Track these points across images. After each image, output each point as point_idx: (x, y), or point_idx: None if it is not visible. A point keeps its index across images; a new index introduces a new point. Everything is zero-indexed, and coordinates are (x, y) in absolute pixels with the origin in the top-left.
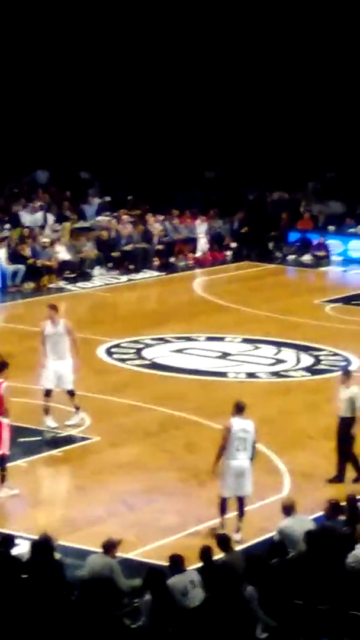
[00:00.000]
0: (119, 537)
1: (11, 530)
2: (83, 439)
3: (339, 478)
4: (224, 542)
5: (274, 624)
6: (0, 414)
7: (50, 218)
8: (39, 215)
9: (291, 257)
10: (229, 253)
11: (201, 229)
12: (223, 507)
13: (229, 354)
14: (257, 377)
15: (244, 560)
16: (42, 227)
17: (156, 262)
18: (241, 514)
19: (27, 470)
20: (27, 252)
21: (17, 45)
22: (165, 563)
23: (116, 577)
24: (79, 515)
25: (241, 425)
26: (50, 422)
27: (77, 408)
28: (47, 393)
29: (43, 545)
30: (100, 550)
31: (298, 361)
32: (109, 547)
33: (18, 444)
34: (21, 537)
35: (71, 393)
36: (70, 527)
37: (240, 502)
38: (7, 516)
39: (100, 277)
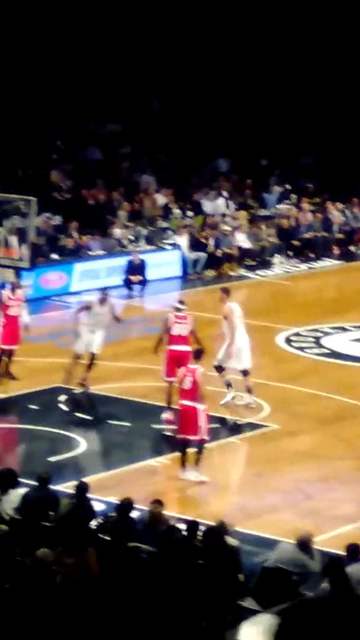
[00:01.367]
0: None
1: (191, 516)
2: (261, 426)
3: None
4: None
5: None
6: (195, 400)
7: (232, 206)
8: (220, 202)
9: None
10: None
11: None
12: None
13: None
14: None
15: None
16: (224, 215)
17: (336, 250)
18: None
19: (206, 456)
20: (208, 240)
21: (205, 37)
22: (342, 552)
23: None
24: (256, 502)
25: None
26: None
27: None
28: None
29: (216, 532)
30: (284, 539)
31: None
32: (304, 543)
33: None
34: (202, 523)
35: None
36: (246, 514)
37: None
38: (188, 502)
39: (280, 265)
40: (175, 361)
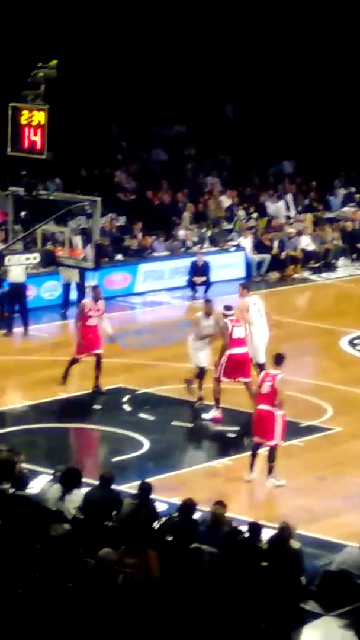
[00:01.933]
0: None
1: (253, 518)
2: (324, 429)
3: None
4: None
5: None
6: (272, 405)
7: (293, 208)
8: (280, 205)
9: None
10: None
11: None
12: None
13: None
14: None
15: None
16: (288, 217)
17: None
18: None
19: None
20: (272, 242)
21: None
22: None
23: None
24: (319, 505)
25: None
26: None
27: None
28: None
29: (280, 535)
30: (347, 542)
31: None
32: None
33: None
34: (264, 525)
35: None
36: (309, 516)
37: None
38: (251, 504)
39: (345, 268)
40: (235, 364)
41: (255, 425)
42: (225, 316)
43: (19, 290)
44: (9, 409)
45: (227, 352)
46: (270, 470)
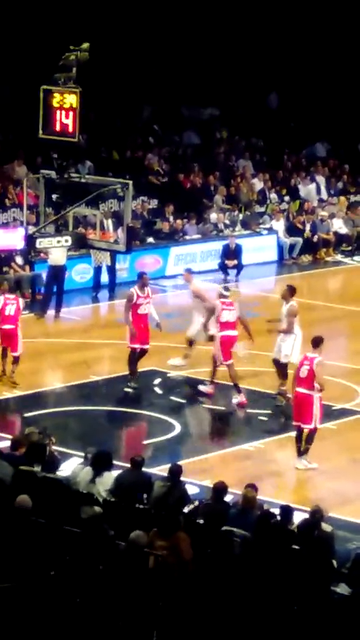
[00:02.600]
0: None
1: (285, 501)
2: (357, 412)
3: None
4: None
5: None
6: (311, 389)
7: (324, 191)
8: (312, 187)
9: None
10: None
11: None
12: None
13: None
14: None
15: None
16: (321, 200)
17: None
18: None
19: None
20: (305, 225)
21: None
22: None
23: None
24: (351, 488)
25: None
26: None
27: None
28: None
29: (311, 517)
30: None
31: None
32: None
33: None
34: (296, 508)
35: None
36: (341, 499)
37: None
38: (283, 487)
39: None
40: (227, 346)
41: (295, 409)
42: (220, 297)
43: (58, 273)
44: (41, 392)
45: (219, 335)
46: (304, 452)
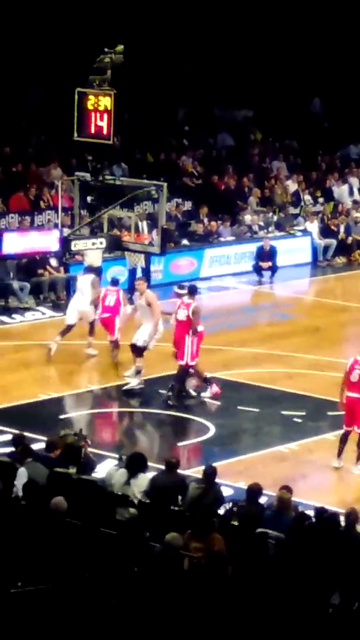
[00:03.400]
0: None
1: (320, 503)
2: None
3: None
4: None
5: None
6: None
7: (358, 193)
8: (345, 188)
9: None
10: None
11: None
12: None
13: None
14: None
15: None
16: (355, 202)
17: None
18: None
19: (335, 443)
20: (339, 227)
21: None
22: None
23: None
24: None
25: None
26: None
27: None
28: None
29: (346, 519)
30: None
31: None
32: None
33: (327, 417)
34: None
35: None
36: None
37: None
38: (317, 489)
39: None
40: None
41: (346, 413)
42: (177, 295)
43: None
44: (77, 393)
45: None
46: (358, 457)
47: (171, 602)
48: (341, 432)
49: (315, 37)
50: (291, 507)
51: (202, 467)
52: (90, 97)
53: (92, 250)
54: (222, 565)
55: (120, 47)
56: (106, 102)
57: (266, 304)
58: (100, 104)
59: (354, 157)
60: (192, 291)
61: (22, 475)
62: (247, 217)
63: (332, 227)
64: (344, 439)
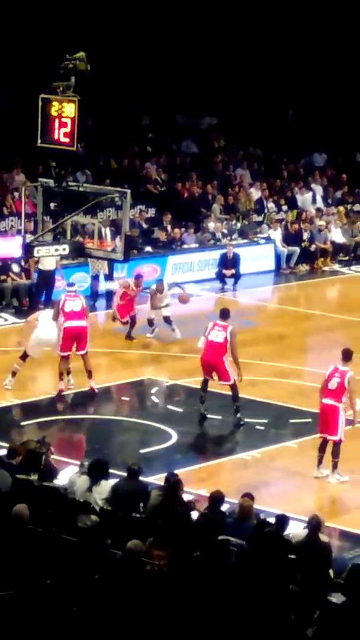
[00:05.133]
0: None
1: (281, 510)
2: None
3: None
4: None
5: None
6: (338, 401)
7: (324, 201)
8: (308, 196)
9: None
10: None
11: None
12: None
13: None
14: None
15: None
16: (319, 210)
17: None
18: None
19: (297, 451)
20: (302, 234)
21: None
22: None
23: None
24: (347, 498)
25: None
26: None
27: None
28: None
29: (308, 527)
30: None
31: None
32: None
33: (289, 425)
34: (293, 518)
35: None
36: (337, 509)
37: None
38: (279, 496)
39: None
40: (69, 337)
41: (320, 420)
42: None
43: (48, 278)
44: (38, 400)
45: (63, 326)
46: (334, 466)
47: (132, 610)
48: (302, 440)
49: (281, 43)
50: (253, 514)
51: (164, 475)
52: (54, 103)
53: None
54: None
55: (81, 54)
56: (70, 108)
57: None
58: (64, 111)
59: (317, 165)
60: (226, 315)
61: None
62: (211, 225)
63: (295, 235)
64: (322, 448)
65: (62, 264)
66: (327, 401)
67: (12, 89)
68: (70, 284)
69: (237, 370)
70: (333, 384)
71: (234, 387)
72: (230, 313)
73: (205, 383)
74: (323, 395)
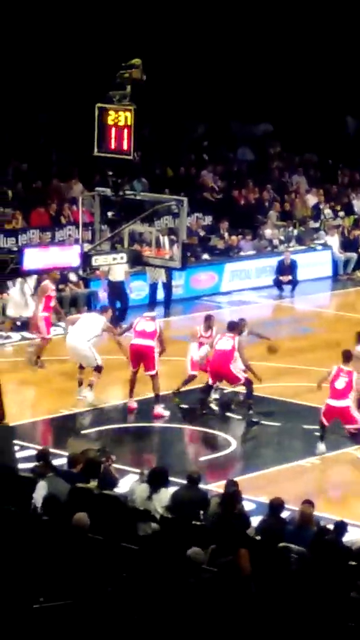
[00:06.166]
0: None
1: (341, 517)
2: None
3: None
4: None
5: None
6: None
7: None
8: None
9: None
10: None
11: None
12: None
13: None
14: None
15: None
16: None
17: None
18: None
19: (356, 457)
20: (359, 240)
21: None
22: None
23: None
24: None
25: None
26: None
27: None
28: None
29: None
30: None
31: None
32: None
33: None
34: (351, 524)
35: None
36: None
37: None
38: (339, 503)
39: None
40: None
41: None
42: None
43: (117, 289)
44: (99, 409)
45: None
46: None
47: (194, 616)
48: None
49: (338, 49)
50: (313, 521)
51: (224, 482)
52: (111, 112)
53: (115, 265)
54: (247, 582)
55: (137, 61)
56: (126, 117)
57: (287, 318)
58: (120, 120)
59: None
60: (233, 326)
61: (41, 487)
62: (268, 231)
63: (353, 241)
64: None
65: (130, 273)
66: (333, 402)
67: (70, 99)
68: (151, 309)
69: (250, 374)
70: (341, 384)
71: (247, 385)
72: (288, 319)
73: (209, 387)
74: (330, 396)
